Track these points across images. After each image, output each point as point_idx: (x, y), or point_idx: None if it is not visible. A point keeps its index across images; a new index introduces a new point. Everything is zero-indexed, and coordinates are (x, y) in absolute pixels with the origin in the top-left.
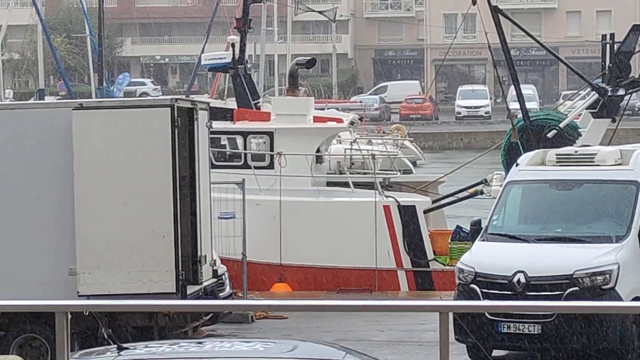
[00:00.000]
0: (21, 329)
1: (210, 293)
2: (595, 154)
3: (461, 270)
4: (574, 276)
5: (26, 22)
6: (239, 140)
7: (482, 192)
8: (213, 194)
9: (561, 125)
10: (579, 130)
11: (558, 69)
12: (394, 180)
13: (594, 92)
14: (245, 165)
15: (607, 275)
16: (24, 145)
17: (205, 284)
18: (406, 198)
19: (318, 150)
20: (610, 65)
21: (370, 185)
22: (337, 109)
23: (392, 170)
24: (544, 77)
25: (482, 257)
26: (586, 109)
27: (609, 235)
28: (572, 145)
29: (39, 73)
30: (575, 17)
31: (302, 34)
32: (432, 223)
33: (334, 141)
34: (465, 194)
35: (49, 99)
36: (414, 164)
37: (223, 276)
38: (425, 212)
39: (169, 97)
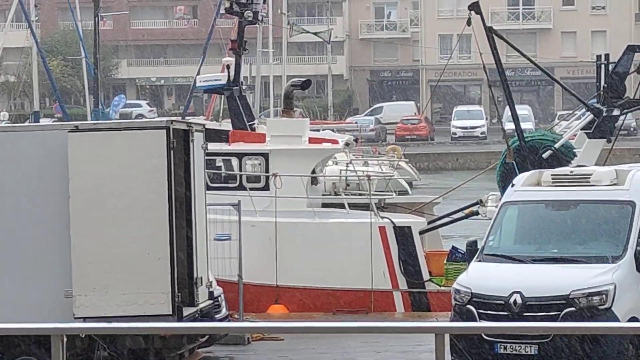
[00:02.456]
0: (18, 352)
1: (206, 315)
2: (591, 174)
3: (457, 291)
4: (571, 296)
5: (22, 45)
6: (235, 161)
7: (477, 213)
8: (209, 216)
9: (556, 145)
10: (574, 150)
11: (553, 89)
12: (389, 201)
13: (589, 112)
14: (241, 187)
15: (604, 296)
16: (20, 167)
17: (201, 305)
18: (402, 219)
19: (313, 172)
20: (605, 85)
21: (365, 207)
22: (333, 130)
23: (387, 191)
24: (539, 97)
25: (479, 277)
26: (581, 129)
27: (605, 256)
28: (567, 165)
29: (34, 95)
30: (570, 37)
31: (297, 55)
32: (427, 244)
33: (330, 162)
34: (460, 214)
35: (44, 122)
36: (410, 184)
37: (219, 298)
38: (420, 233)
39: (164, 119)
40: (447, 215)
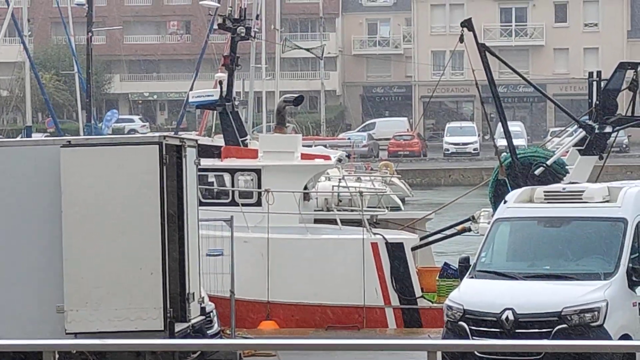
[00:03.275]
0: None
1: (198, 330)
2: (583, 191)
3: (450, 308)
4: (563, 313)
5: (14, 59)
6: (227, 177)
7: (469, 229)
8: (201, 231)
9: (549, 162)
10: (567, 167)
11: (545, 106)
12: (381, 217)
13: (581, 129)
14: (233, 203)
15: (596, 313)
16: (12, 182)
17: (193, 321)
18: (394, 235)
19: (306, 187)
20: (598, 102)
21: (358, 223)
22: (325, 146)
23: (380, 207)
24: (531, 114)
25: (471, 294)
26: (574, 146)
27: (597, 273)
28: (559, 182)
29: (26, 110)
30: (562, 54)
31: (290, 71)
32: (419, 260)
33: (322, 178)
34: (453, 231)
35: (36, 136)
36: (403, 200)
37: (211, 313)
38: (413, 249)
39: (157, 134)
40: (440, 232)
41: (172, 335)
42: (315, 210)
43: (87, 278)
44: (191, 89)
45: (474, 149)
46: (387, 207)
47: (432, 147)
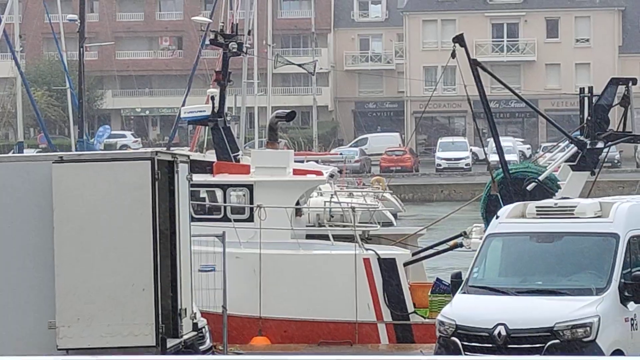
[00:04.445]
0: None
1: (190, 346)
2: (575, 207)
3: (442, 323)
4: (555, 329)
5: (6, 75)
6: (219, 193)
7: (461, 245)
8: (193, 247)
9: (540, 177)
10: (559, 182)
11: (537, 121)
12: (373, 233)
13: (573, 144)
14: (225, 218)
15: (588, 328)
16: (3, 198)
17: (185, 337)
18: (386, 251)
19: (298, 203)
20: (589, 118)
21: (350, 238)
22: (317, 162)
23: (372, 223)
24: (523, 129)
25: (463, 309)
26: (565, 161)
27: (589, 288)
28: (551, 197)
29: (18, 125)
30: (554, 69)
31: (282, 86)
32: (411, 276)
33: (314, 194)
34: (445, 246)
35: (28, 152)
36: (395, 216)
37: (203, 329)
38: (405, 264)
39: (149, 149)
40: (432, 247)
41: (164, 351)
42: (307, 226)
43: (78, 294)
44: (183, 105)
45: (466, 164)
46: (379, 223)
47: (424, 163)
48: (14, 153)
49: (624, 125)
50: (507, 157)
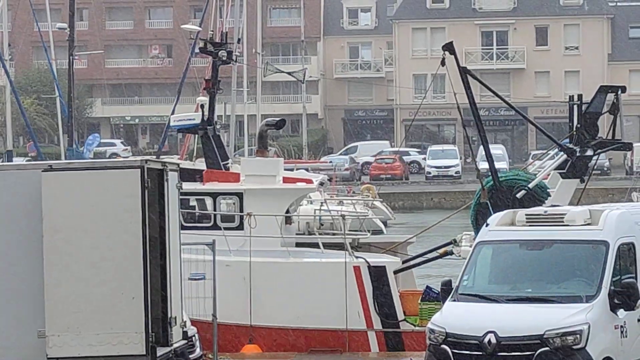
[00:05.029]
0: None
1: (180, 355)
2: (565, 214)
3: (432, 331)
4: (545, 336)
5: None
6: (209, 201)
7: (451, 253)
8: (183, 255)
9: (530, 185)
10: (548, 190)
11: (527, 129)
12: (363, 241)
13: (562, 152)
14: (215, 226)
15: (578, 336)
16: None
17: (175, 345)
18: (376, 259)
19: (287, 211)
20: (579, 125)
21: (340, 246)
22: (307, 170)
23: (362, 231)
24: (513, 137)
25: (453, 317)
26: (555, 169)
27: (579, 295)
28: (541, 205)
29: (7, 134)
30: (543, 77)
31: (272, 94)
32: (401, 283)
33: (304, 202)
34: (435, 254)
35: (17, 161)
36: (385, 224)
37: (193, 337)
38: (395, 272)
39: (139, 158)
40: (422, 255)
41: (154, 359)
42: (297, 234)
43: (68, 303)
44: (173, 113)
45: (456, 172)
46: (369, 231)
47: (414, 171)
48: (3, 162)
49: (613, 132)
50: (497, 164)
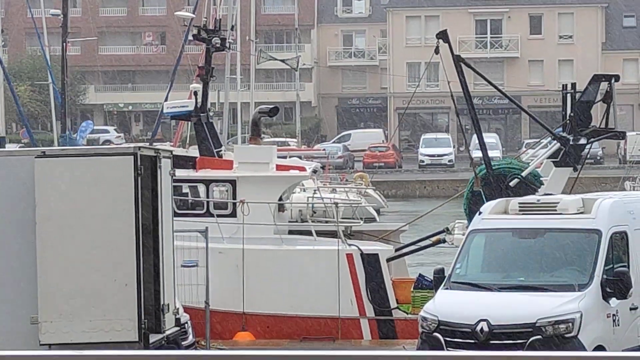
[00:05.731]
0: None
1: (172, 342)
2: (558, 203)
3: (424, 319)
4: (537, 325)
5: None
6: (201, 188)
7: (444, 241)
8: (176, 242)
9: (523, 174)
10: (541, 179)
11: (520, 117)
12: (356, 229)
13: (555, 141)
14: (208, 214)
15: (570, 324)
16: None
17: (167, 332)
18: (369, 246)
19: (280, 199)
20: (572, 114)
21: (332, 234)
22: (300, 157)
23: (354, 219)
24: (506, 125)
25: (446, 305)
26: (548, 157)
27: (571, 284)
28: (534, 194)
29: (0, 121)
30: (537, 66)
31: (265, 82)
32: (393, 271)
33: (297, 189)
34: (428, 242)
35: (10, 147)
36: (378, 212)
37: (186, 325)
38: (388, 260)
39: (132, 144)
40: (414, 243)
41: (146, 346)
42: (289, 222)
43: (61, 289)
44: (166, 100)
45: (449, 161)
46: (361, 219)
47: (407, 159)
48: None
49: (607, 121)
50: (490, 153)
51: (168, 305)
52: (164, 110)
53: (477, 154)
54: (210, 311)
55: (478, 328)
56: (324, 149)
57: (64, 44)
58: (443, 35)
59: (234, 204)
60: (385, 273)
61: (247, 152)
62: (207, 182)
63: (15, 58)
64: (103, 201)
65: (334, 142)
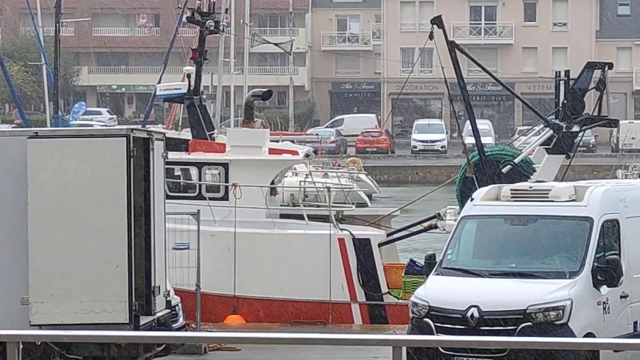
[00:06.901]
0: None
1: (163, 324)
2: (550, 190)
3: (415, 304)
4: (528, 311)
5: None
6: (194, 171)
7: (436, 227)
8: (168, 225)
9: (516, 160)
10: (534, 165)
11: (514, 104)
12: (348, 214)
13: (548, 128)
14: (200, 197)
15: (560, 311)
16: None
17: (158, 314)
18: (361, 231)
19: (272, 182)
20: (565, 101)
21: (324, 218)
22: (292, 141)
23: (346, 203)
24: (499, 112)
25: (436, 291)
26: (541, 144)
27: (562, 271)
28: (526, 180)
29: None
30: (531, 53)
31: (259, 65)
32: (384, 257)
33: (289, 173)
34: (419, 227)
35: (3, 127)
36: (370, 197)
37: (177, 307)
38: (379, 245)
39: (125, 126)
40: (406, 228)
41: (137, 328)
42: (281, 205)
43: (52, 270)
44: (159, 82)
45: (442, 147)
46: (353, 203)
47: (400, 144)
48: None
49: (600, 109)
50: (483, 139)
51: (159, 287)
52: (157, 93)
53: (470, 140)
54: (201, 294)
55: (468, 314)
56: (316, 134)
57: (58, 24)
58: (438, 21)
59: (226, 187)
60: (377, 258)
61: (239, 136)
62: (200, 165)
63: (9, 39)
64: (95, 183)
65: (326, 127)
